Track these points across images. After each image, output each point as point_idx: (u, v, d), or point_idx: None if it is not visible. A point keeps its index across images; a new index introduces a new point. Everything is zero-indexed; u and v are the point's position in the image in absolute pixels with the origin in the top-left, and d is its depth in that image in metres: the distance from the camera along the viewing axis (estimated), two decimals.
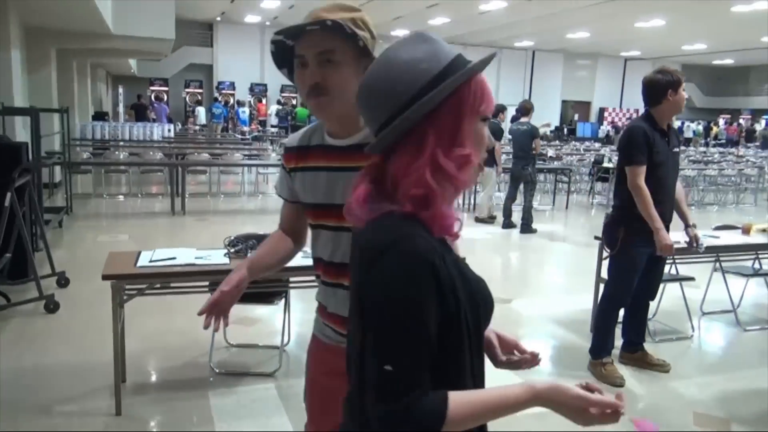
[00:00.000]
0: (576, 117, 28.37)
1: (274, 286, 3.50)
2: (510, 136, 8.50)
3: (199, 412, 2.99)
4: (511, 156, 8.20)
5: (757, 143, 22.87)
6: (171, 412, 3.00)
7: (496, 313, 1.06)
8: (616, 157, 3.89)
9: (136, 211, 8.76)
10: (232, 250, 3.22)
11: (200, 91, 23.08)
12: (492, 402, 0.90)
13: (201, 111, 21.34)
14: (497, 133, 8.12)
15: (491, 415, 0.90)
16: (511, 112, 9.40)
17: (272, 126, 20.69)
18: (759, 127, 25.82)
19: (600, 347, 3.60)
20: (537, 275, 6.35)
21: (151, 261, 2.98)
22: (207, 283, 3.27)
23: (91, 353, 3.59)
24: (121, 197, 9.70)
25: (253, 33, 22.55)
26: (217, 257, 3.12)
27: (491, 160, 7.64)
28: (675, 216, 3.46)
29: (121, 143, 12.56)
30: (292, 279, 3.43)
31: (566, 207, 10.19)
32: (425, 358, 0.88)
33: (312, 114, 1.49)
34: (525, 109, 7.98)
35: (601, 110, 28.77)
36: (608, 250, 3.54)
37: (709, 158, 14.38)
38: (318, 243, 1.56)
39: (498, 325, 1.17)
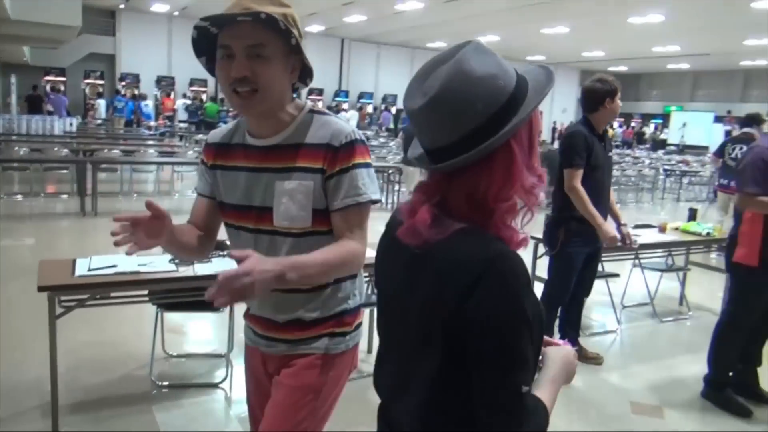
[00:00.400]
0: None
1: None
2: None
3: (145, 429, 2.82)
4: None
5: (648, 145, 24.72)
6: (114, 430, 2.80)
7: None
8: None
9: (40, 213, 8.11)
10: None
11: (101, 82, 21.67)
12: (556, 393, 1.00)
13: (101, 104, 20.03)
14: None
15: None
16: None
17: (180, 121, 19.82)
18: (648, 130, 27.88)
19: None
20: None
21: (90, 270, 2.77)
22: (146, 292, 3.10)
23: (15, 371, 3.27)
24: (20, 197, 8.94)
25: (159, 22, 21.49)
26: (162, 263, 2.94)
27: None
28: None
29: (14, 137, 11.57)
30: None
31: None
32: None
33: (235, 109, 1.44)
34: None
35: None
36: (548, 250, 3.69)
37: None
38: (238, 244, 1.54)
39: None
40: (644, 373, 3.81)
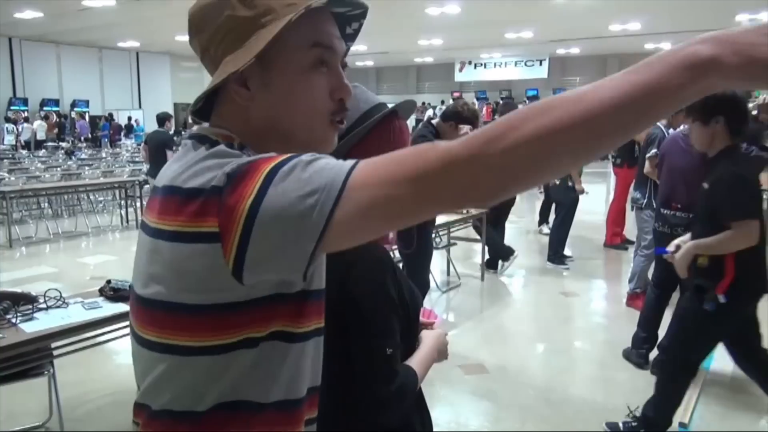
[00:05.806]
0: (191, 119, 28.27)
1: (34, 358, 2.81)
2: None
3: None
4: None
5: None
6: None
7: None
8: None
9: None
10: None
11: None
12: (427, 365, 1.23)
13: None
14: None
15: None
16: None
17: None
18: None
19: None
20: None
21: None
22: None
23: None
24: None
25: None
26: None
27: None
28: None
29: None
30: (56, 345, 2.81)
31: None
32: None
33: (322, 148, 0.85)
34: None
35: None
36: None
37: None
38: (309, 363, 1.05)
39: None
40: (460, 335, 4.38)
